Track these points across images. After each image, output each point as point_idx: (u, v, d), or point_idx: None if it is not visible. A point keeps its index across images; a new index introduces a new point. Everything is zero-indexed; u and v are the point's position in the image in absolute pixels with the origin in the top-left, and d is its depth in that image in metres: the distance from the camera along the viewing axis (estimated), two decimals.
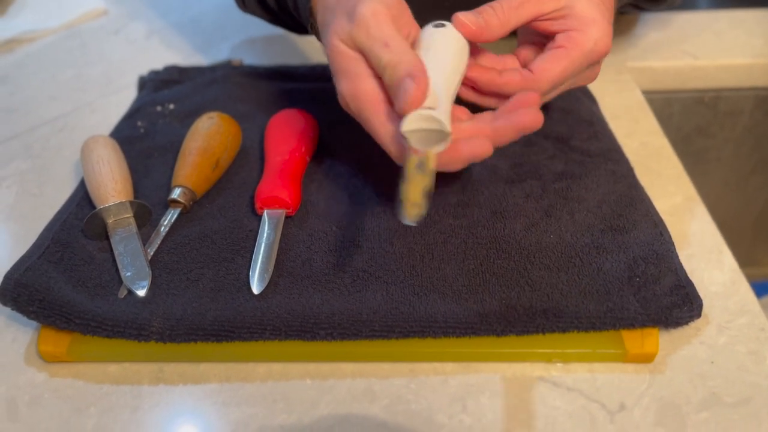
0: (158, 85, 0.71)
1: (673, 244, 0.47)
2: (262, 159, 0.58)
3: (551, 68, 0.48)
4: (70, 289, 0.45)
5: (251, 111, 0.64)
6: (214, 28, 0.88)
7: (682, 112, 0.84)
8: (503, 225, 0.49)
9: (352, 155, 0.58)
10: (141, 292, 0.45)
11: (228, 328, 0.42)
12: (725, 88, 0.80)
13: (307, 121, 0.58)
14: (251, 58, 0.79)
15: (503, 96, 0.49)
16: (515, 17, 0.48)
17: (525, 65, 0.51)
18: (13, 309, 0.44)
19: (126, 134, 0.62)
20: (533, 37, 0.52)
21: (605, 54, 0.50)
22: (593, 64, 0.51)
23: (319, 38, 0.54)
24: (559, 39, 0.49)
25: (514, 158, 0.57)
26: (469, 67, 0.48)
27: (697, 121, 0.86)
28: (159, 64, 0.78)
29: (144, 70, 0.76)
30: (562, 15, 0.48)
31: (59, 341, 0.43)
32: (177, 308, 0.43)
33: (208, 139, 0.55)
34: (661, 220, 0.49)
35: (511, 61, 0.52)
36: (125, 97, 0.73)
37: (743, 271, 0.49)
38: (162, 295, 0.45)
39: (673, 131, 0.86)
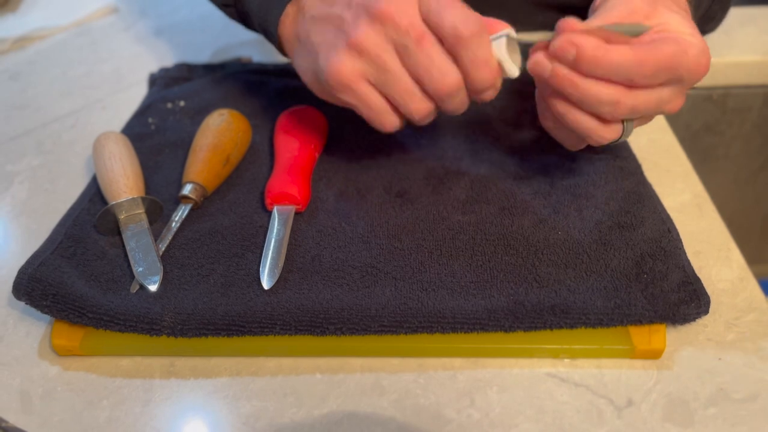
0: (168, 82, 0.72)
1: (680, 241, 0.47)
2: (272, 155, 0.58)
3: (661, 48, 0.41)
4: (82, 283, 0.45)
5: (261, 108, 0.65)
6: (223, 26, 0.89)
7: (690, 109, 0.84)
8: (511, 221, 0.50)
9: (361, 152, 0.58)
10: (153, 287, 0.45)
11: (239, 322, 0.43)
12: (734, 85, 0.80)
13: (317, 118, 0.59)
14: (260, 56, 0.79)
15: (609, 77, 0.42)
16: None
17: None
18: (27, 303, 0.44)
19: (137, 131, 0.62)
20: None
21: (703, 74, 0.44)
22: (684, 85, 0.45)
23: (282, 50, 0.53)
24: (661, 36, 0.43)
25: (522, 155, 0.57)
26: (571, 33, 0.42)
27: (706, 118, 0.85)
28: (169, 61, 0.78)
29: (154, 67, 0.77)
30: (658, 32, 0.44)
31: (72, 335, 0.44)
32: (188, 303, 0.44)
33: (218, 135, 0.55)
34: (668, 217, 0.49)
35: None
36: (136, 94, 0.73)
37: (751, 268, 0.49)
38: (173, 290, 0.45)
39: (682, 128, 0.85)
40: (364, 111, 0.46)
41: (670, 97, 0.46)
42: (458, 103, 0.45)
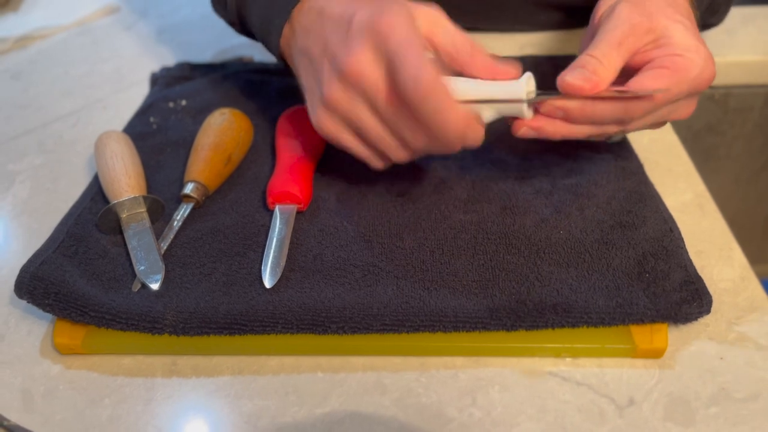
0: (170, 82, 0.72)
1: (682, 240, 0.47)
2: (273, 155, 0.58)
3: (652, 88, 0.44)
4: (84, 282, 0.45)
5: (262, 107, 0.65)
6: (224, 25, 0.88)
7: None
8: (513, 221, 0.50)
9: None
10: (154, 286, 0.45)
11: (240, 321, 0.43)
12: (736, 85, 0.80)
13: None
14: (262, 55, 0.79)
15: (597, 123, 0.46)
16: (618, 58, 0.45)
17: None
18: (29, 302, 0.44)
19: (138, 130, 0.63)
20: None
21: (710, 83, 0.46)
22: (692, 95, 0.47)
23: (283, 60, 0.53)
24: (661, 60, 0.45)
25: (524, 154, 0.57)
26: (556, 97, 0.45)
27: (708, 118, 0.85)
28: (170, 60, 0.79)
29: (155, 66, 0.77)
30: (658, 45, 0.46)
31: (74, 334, 0.44)
32: (190, 302, 0.44)
33: (220, 134, 0.55)
34: (670, 217, 0.49)
35: None
36: (137, 94, 0.73)
37: (753, 267, 0.49)
38: (175, 289, 0.45)
39: (683, 128, 0.85)
40: (353, 153, 0.48)
41: (677, 108, 0.48)
42: (440, 149, 0.45)
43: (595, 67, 0.44)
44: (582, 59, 0.45)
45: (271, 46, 0.53)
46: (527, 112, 0.46)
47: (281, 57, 0.53)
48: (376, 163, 0.48)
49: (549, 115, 0.46)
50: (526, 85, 0.45)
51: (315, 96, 0.46)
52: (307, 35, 0.47)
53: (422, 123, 0.42)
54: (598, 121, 0.46)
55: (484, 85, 0.45)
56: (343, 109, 0.44)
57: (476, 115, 0.46)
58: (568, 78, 0.44)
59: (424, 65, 0.40)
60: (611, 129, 0.47)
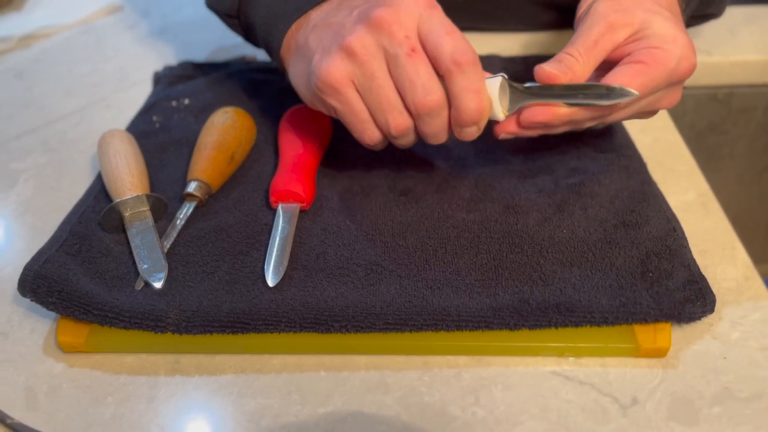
0: (173, 81, 0.72)
1: (686, 240, 0.47)
2: (276, 153, 0.58)
3: (628, 84, 0.44)
4: (88, 280, 0.45)
5: (265, 106, 0.65)
6: None
7: (695, 109, 0.84)
8: (516, 220, 0.50)
9: (365, 150, 0.58)
10: (157, 284, 0.45)
11: (243, 320, 0.43)
12: (739, 84, 0.80)
13: (321, 116, 0.59)
14: (264, 54, 0.79)
15: (574, 123, 0.47)
16: (594, 56, 0.46)
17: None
18: (32, 300, 0.44)
19: (141, 129, 0.63)
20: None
21: (690, 73, 0.46)
22: (675, 85, 0.47)
23: (282, 69, 0.53)
24: (638, 54, 0.45)
25: (527, 153, 0.57)
26: (534, 113, 0.46)
27: (711, 117, 0.85)
28: (173, 59, 0.79)
29: (158, 65, 0.77)
30: (638, 38, 0.46)
31: (77, 332, 0.44)
32: (193, 300, 0.44)
33: (223, 133, 0.55)
34: (674, 216, 0.49)
35: None
36: (140, 92, 0.74)
37: (756, 267, 0.49)
38: (178, 287, 0.45)
39: (687, 128, 0.85)
40: (347, 117, 0.46)
41: (660, 98, 0.48)
42: (437, 127, 0.45)
43: (570, 63, 0.45)
44: (559, 56, 0.46)
45: (273, 37, 0.52)
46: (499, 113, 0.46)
47: (280, 52, 0.52)
48: (367, 131, 0.46)
49: (528, 128, 0.47)
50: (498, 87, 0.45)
51: (329, 49, 0.44)
52: (329, 11, 0.48)
53: (452, 90, 0.43)
54: (574, 123, 0.47)
55: None
56: (361, 54, 0.43)
57: None
58: (546, 66, 0.45)
59: (466, 40, 0.42)
60: (589, 124, 0.49)
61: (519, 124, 0.47)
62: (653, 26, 0.46)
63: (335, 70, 0.43)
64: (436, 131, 0.45)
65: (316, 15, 0.49)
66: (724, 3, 0.70)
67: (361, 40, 0.42)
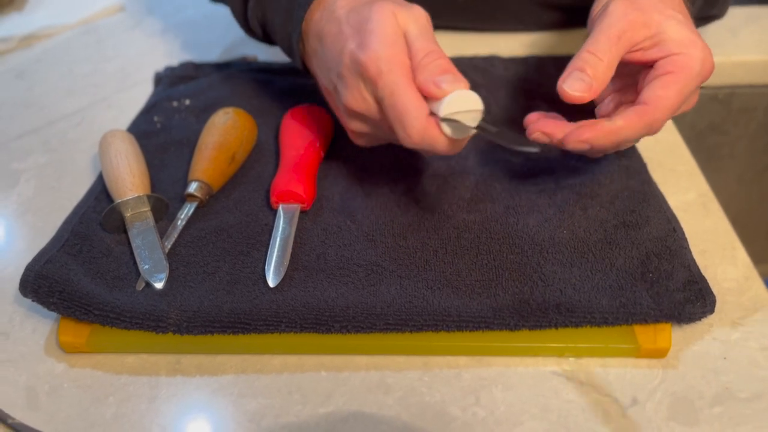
0: (174, 81, 0.72)
1: (686, 240, 0.47)
2: (277, 154, 0.58)
3: (666, 95, 0.45)
4: (89, 281, 0.45)
5: (266, 106, 0.65)
6: (228, 25, 0.89)
7: (695, 109, 0.83)
8: (516, 220, 0.50)
9: (366, 150, 0.58)
10: (158, 285, 0.45)
11: (244, 320, 0.43)
12: (739, 84, 0.80)
13: (322, 116, 0.59)
14: (265, 55, 0.79)
15: (622, 144, 0.46)
16: (617, 52, 0.46)
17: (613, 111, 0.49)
18: (33, 300, 0.44)
19: (143, 129, 0.63)
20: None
21: (711, 73, 0.47)
22: (698, 87, 0.48)
23: (304, 67, 0.54)
24: (662, 65, 0.45)
25: (527, 154, 0.57)
26: (580, 130, 0.45)
27: (711, 117, 0.85)
28: (174, 59, 0.79)
29: (160, 65, 0.77)
30: (655, 43, 0.46)
31: (79, 332, 0.44)
32: (194, 300, 0.44)
33: (224, 133, 0.55)
34: (674, 216, 0.49)
35: (604, 108, 0.51)
36: (141, 93, 0.74)
37: (757, 267, 0.49)
38: (179, 288, 0.45)
39: (687, 128, 0.85)
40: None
41: (688, 103, 0.48)
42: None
43: (594, 67, 0.45)
44: (581, 57, 0.45)
45: (295, 61, 0.54)
46: (448, 131, 0.43)
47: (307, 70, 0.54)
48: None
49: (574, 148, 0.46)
50: (447, 104, 0.42)
51: (340, 114, 0.49)
52: (316, 60, 0.50)
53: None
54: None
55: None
56: (358, 127, 0.48)
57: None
58: (567, 88, 0.45)
59: (407, 113, 0.42)
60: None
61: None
62: (669, 30, 0.46)
63: (352, 130, 0.49)
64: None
65: (309, 45, 0.51)
66: (726, 4, 0.70)
67: (350, 124, 0.48)
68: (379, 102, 0.44)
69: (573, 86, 0.45)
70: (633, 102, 0.46)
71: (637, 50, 0.47)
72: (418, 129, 0.42)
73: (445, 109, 0.42)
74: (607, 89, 0.50)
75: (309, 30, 0.50)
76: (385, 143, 0.50)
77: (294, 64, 0.54)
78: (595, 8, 0.51)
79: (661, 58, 0.46)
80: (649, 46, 0.46)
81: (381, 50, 0.43)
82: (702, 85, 0.77)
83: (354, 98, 0.45)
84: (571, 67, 0.46)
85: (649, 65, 0.47)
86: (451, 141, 0.43)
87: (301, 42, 0.52)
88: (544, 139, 0.47)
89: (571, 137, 0.45)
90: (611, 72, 0.46)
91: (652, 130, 0.46)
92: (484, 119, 0.44)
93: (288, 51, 0.55)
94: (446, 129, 0.43)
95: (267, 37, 0.62)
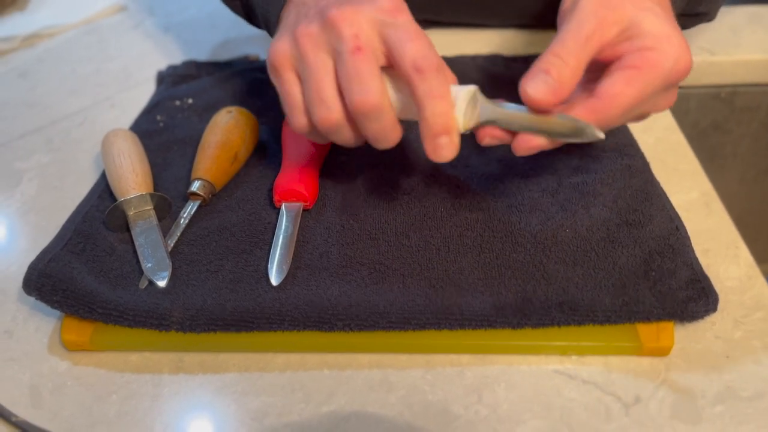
0: (176, 80, 0.72)
1: (688, 239, 0.47)
2: (279, 153, 0.58)
3: (622, 93, 0.42)
4: (92, 279, 0.45)
5: (268, 105, 0.65)
6: (230, 24, 0.89)
7: (698, 108, 0.84)
8: (519, 219, 0.50)
9: (368, 149, 0.58)
10: (161, 283, 0.45)
11: (247, 318, 0.43)
12: (742, 83, 0.80)
13: None
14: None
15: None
16: (586, 54, 0.42)
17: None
18: (37, 298, 0.45)
19: (145, 128, 0.63)
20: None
21: (687, 73, 0.44)
22: (671, 87, 0.45)
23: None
24: (629, 59, 0.42)
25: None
26: (528, 139, 0.43)
27: (714, 116, 0.85)
28: (177, 59, 0.79)
29: (162, 65, 0.77)
30: (628, 36, 0.43)
31: (82, 330, 0.44)
32: (197, 299, 0.44)
33: (226, 132, 0.55)
34: (677, 215, 0.49)
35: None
36: (144, 92, 0.74)
37: (759, 266, 0.49)
38: (182, 286, 0.45)
39: (689, 127, 0.85)
40: (281, 98, 0.46)
41: (655, 102, 0.46)
42: (375, 131, 0.43)
43: (559, 71, 0.42)
44: (545, 59, 0.42)
45: (270, 15, 0.52)
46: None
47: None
48: (296, 119, 0.45)
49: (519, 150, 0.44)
50: (459, 106, 0.43)
51: (286, 30, 0.45)
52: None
53: (417, 96, 0.41)
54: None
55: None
56: (305, 42, 0.43)
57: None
58: (530, 90, 0.41)
59: (431, 46, 0.41)
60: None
61: (512, 144, 0.44)
62: (644, 23, 0.43)
63: (279, 50, 0.44)
64: (376, 135, 0.43)
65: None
66: (717, 3, 0.65)
67: (309, 31, 0.43)
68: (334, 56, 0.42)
69: (537, 88, 0.41)
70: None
71: (608, 48, 0.44)
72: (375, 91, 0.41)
73: (460, 108, 0.43)
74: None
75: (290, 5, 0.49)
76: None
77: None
78: (564, 3, 0.47)
79: (631, 52, 0.43)
80: (621, 41, 0.43)
81: (350, 14, 0.42)
82: (705, 84, 0.77)
83: (350, 11, 0.42)
84: (535, 67, 0.42)
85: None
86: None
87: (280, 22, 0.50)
88: (494, 142, 0.45)
89: (521, 144, 0.43)
90: (578, 76, 0.42)
91: (603, 127, 0.42)
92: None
93: (268, 29, 0.54)
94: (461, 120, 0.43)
95: (249, 17, 0.61)
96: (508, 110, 0.43)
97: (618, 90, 0.42)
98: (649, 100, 0.44)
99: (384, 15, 0.42)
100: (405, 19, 0.42)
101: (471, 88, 0.43)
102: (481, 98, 0.44)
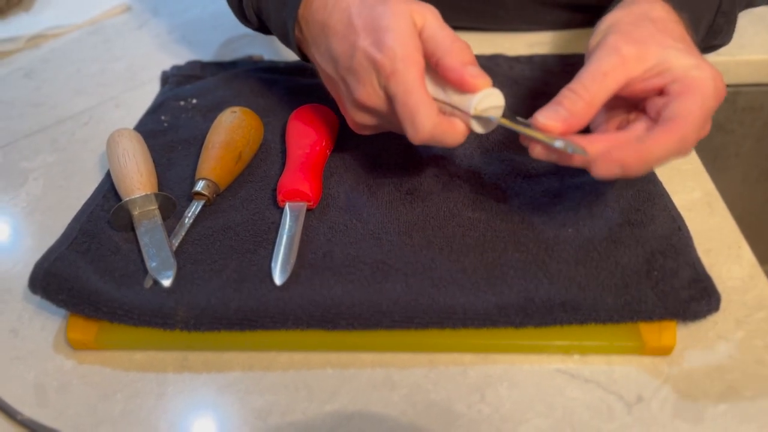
0: (181, 80, 0.72)
1: (691, 239, 0.47)
2: (283, 153, 0.58)
3: (690, 110, 0.42)
4: (97, 278, 0.46)
5: (272, 106, 0.65)
6: (234, 24, 0.88)
7: None
8: (521, 218, 0.50)
9: (371, 149, 0.58)
10: (166, 282, 0.46)
11: (251, 317, 0.43)
12: (744, 83, 0.80)
13: (328, 115, 0.59)
14: (271, 54, 0.79)
15: (653, 164, 0.43)
16: (603, 90, 0.43)
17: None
18: (42, 297, 0.45)
19: (150, 128, 0.63)
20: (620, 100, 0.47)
21: (724, 96, 0.44)
22: (710, 114, 0.44)
23: (301, 54, 0.55)
24: (673, 89, 0.43)
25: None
26: (612, 151, 0.42)
27: (716, 116, 0.84)
28: (181, 59, 0.79)
29: (167, 65, 0.77)
30: (658, 72, 0.44)
31: (87, 329, 0.44)
32: (201, 298, 0.44)
33: (230, 132, 0.55)
34: (679, 215, 0.49)
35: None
36: (148, 92, 0.74)
37: (762, 266, 0.49)
38: (187, 285, 0.46)
39: None
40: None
41: (704, 126, 0.45)
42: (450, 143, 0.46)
43: (572, 104, 0.43)
44: (560, 94, 0.44)
45: (291, 47, 0.55)
46: (477, 126, 0.46)
47: (304, 56, 0.55)
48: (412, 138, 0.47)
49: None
50: (479, 101, 0.44)
51: (345, 104, 0.50)
52: (317, 49, 0.50)
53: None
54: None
55: (451, 91, 0.46)
56: (365, 119, 0.49)
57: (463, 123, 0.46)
58: (541, 118, 0.43)
59: (419, 112, 0.44)
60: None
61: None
62: (671, 59, 0.44)
63: (360, 124, 0.50)
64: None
65: (307, 31, 0.51)
66: (731, 34, 0.64)
67: (358, 116, 0.49)
68: (390, 98, 0.45)
69: (546, 115, 0.43)
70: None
71: (636, 83, 0.44)
72: (428, 128, 0.44)
73: (478, 105, 0.44)
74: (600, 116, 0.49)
75: (307, 17, 0.50)
76: (385, 131, 0.51)
77: (293, 52, 0.55)
78: (593, 40, 0.48)
79: (668, 83, 0.43)
80: (650, 77, 0.44)
81: (397, 49, 0.43)
82: None
83: (367, 93, 0.46)
84: (552, 101, 0.44)
85: (656, 93, 0.45)
86: (461, 135, 0.46)
87: (297, 28, 0.52)
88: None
89: (603, 159, 0.42)
90: (594, 109, 0.44)
91: (684, 147, 0.42)
92: (504, 114, 0.46)
93: (283, 38, 0.55)
94: (475, 125, 0.45)
95: (263, 26, 0.62)
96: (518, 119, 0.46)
97: (685, 108, 0.42)
98: (708, 118, 0.44)
99: (383, 80, 0.45)
100: (393, 82, 0.44)
101: (502, 102, 0.46)
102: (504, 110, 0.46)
